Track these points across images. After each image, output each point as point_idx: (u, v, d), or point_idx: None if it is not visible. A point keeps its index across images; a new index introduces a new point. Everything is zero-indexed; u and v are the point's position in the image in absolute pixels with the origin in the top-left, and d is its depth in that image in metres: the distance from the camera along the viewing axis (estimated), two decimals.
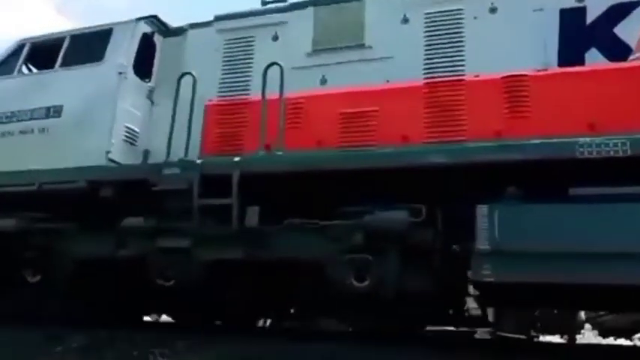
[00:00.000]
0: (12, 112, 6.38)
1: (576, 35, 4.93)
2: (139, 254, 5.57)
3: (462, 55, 5.21)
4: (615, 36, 4.81)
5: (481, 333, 7.97)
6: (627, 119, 4.42)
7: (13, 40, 7.23)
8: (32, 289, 6.02)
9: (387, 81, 5.37)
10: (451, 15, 5.35)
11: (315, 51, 5.72)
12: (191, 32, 6.44)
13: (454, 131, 5.00)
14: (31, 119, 6.25)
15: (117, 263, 5.76)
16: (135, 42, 6.24)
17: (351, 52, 5.58)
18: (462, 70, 5.17)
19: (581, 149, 4.22)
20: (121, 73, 6.06)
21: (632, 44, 4.76)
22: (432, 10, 5.42)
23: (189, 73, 5.73)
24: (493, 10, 5.26)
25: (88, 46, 6.40)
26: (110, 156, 5.82)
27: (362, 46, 5.56)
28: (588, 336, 8.96)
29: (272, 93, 5.45)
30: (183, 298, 5.78)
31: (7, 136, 6.31)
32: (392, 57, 5.43)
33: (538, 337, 9.25)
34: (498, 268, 4.32)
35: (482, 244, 4.37)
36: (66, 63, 6.41)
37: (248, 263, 5.31)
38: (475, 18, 5.28)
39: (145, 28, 6.39)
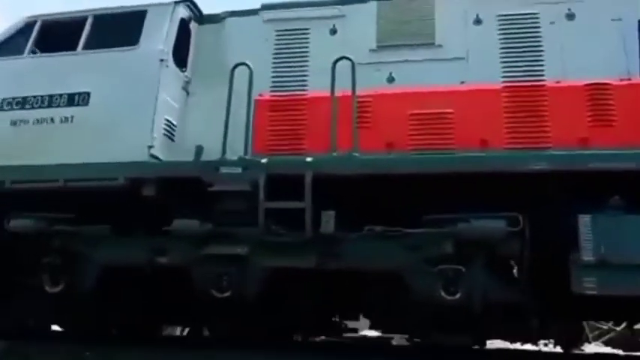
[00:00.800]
0: (24, 98, 5.59)
1: None
2: (184, 262, 5.02)
3: (540, 60, 5.07)
4: None
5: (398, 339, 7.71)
6: None
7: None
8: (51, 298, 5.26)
9: (462, 82, 5.15)
10: (526, 18, 5.22)
11: (380, 47, 5.40)
12: (231, 20, 5.95)
13: (538, 137, 4.84)
14: (49, 106, 5.50)
15: (147, 272, 5.16)
16: (174, 27, 5.66)
17: (420, 51, 5.32)
18: (542, 76, 5.03)
19: None
20: (162, 60, 5.45)
21: None
22: (506, 13, 5.27)
23: (244, 64, 5.23)
24: (570, 16, 5.17)
25: (117, 28, 5.73)
26: (152, 151, 5.21)
27: (432, 44, 5.32)
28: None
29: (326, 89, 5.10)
30: (237, 310, 5.22)
31: (21, 125, 5.52)
32: (465, 58, 5.23)
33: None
34: (603, 280, 4.19)
35: (586, 255, 4.23)
36: (90, 45, 5.70)
37: (312, 272, 4.90)
38: (552, 23, 5.16)
39: (183, 12, 5.81)
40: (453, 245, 4.52)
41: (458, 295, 4.45)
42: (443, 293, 4.48)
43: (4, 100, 5.64)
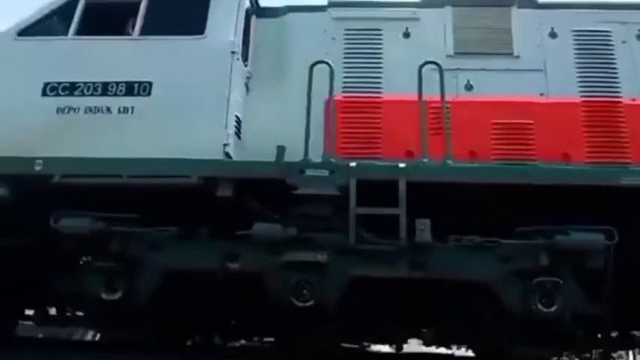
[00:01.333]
0: (72, 84, 5.06)
1: None
2: (258, 269, 4.71)
3: (616, 77, 5.19)
4: None
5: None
6: None
7: None
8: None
9: (542, 94, 5.17)
10: (600, 35, 5.33)
11: (458, 54, 5.33)
12: (293, 15, 5.67)
13: (617, 153, 4.95)
14: (104, 95, 5.01)
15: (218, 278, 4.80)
16: (242, 18, 5.32)
17: (498, 60, 5.30)
18: (618, 92, 5.15)
19: None
20: (233, 52, 5.10)
21: None
22: (580, 28, 5.35)
23: (324, 62, 4.98)
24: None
25: (175, 12, 5.32)
26: (227, 149, 4.86)
27: (510, 54, 5.31)
28: None
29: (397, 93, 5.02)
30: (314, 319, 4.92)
31: (70, 113, 4.99)
32: (542, 70, 5.26)
33: None
34: None
35: None
36: (147, 30, 5.24)
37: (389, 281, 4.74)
38: (624, 42, 5.30)
39: (247, 3, 5.48)
40: (548, 257, 4.50)
41: (554, 308, 4.44)
42: (540, 306, 4.45)
43: (47, 84, 5.08)
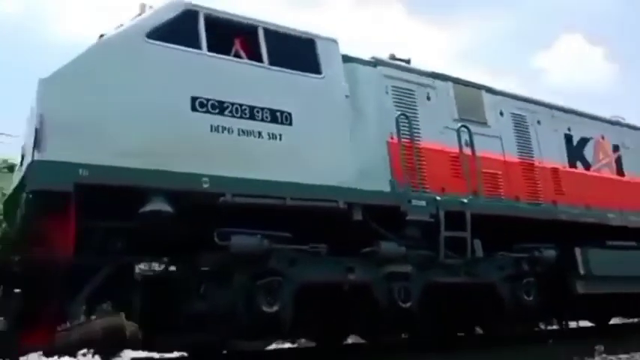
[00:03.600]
0: (220, 102, 5.17)
1: None
2: (369, 279, 5.85)
3: (530, 146, 8.01)
4: None
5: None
6: None
7: None
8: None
9: (501, 154, 7.65)
10: (523, 118, 8.12)
11: (460, 119, 7.32)
12: (355, 66, 6.52)
13: (535, 197, 7.81)
14: (252, 119, 5.29)
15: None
16: (341, 65, 6.19)
17: (480, 126, 7.52)
18: (533, 156, 8.00)
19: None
20: (347, 97, 5.99)
21: None
22: (514, 112, 8.05)
23: (404, 115, 6.41)
24: (539, 122, 8.34)
25: (289, 49, 5.88)
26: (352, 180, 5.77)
27: (485, 124, 7.61)
28: None
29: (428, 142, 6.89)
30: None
31: (224, 133, 5.09)
32: (499, 137, 7.72)
33: None
34: (588, 286, 7.48)
35: (581, 270, 7.44)
36: (273, 61, 5.64)
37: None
38: (531, 124, 8.22)
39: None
40: (528, 265, 7.00)
41: (532, 297, 6.94)
42: (525, 296, 6.88)
43: (195, 99, 5.03)
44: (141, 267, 5.51)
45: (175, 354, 6.96)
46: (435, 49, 64.69)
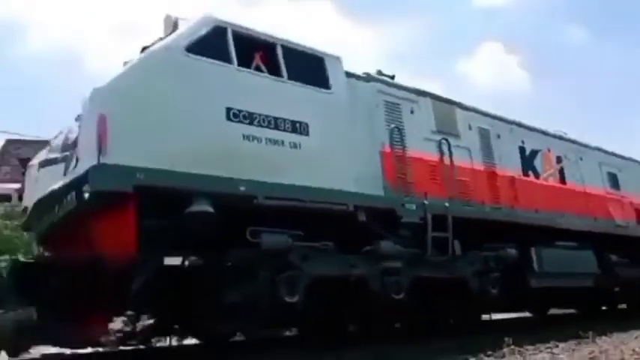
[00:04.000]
0: (250, 113, 5.72)
1: None
2: (367, 274, 6.59)
3: (493, 156, 9.05)
4: None
5: None
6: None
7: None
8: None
9: (470, 163, 8.61)
10: (487, 130, 9.13)
11: (437, 132, 8.20)
12: (353, 82, 7.21)
13: (497, 201, 8.85)
14: (276, 129, 5.87)
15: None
16: (345, 80, 6.86)
17: (452, 138, 8.43)
18: (494, 164, 9.02)
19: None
20: (349, 110, 6.67)
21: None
22: (480, 126, 9.03)
23: (397, 128, 7.19)
24: (499, 135, 9.39)
25: (304, 65, 6.48)
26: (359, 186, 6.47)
27: (458, 136, 8.53)
28: None
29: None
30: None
31: (254, 141, 5.65)
32: (468, 148, 8.69)
33: None
34: (539, 280, 8.61)
35: (535, 267, 8.55)
36: (291, 76, 6.23)
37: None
38: (498, 137, 9.25)
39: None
40: (494, 262, 7.99)
41: (497, 290, 7.93)
42: (492, 290, 7.87)
43: (229, 109, 5.55)
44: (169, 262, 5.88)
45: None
46: (363, 48, 66.52)
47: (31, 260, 5.71)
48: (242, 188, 5.39)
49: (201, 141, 5.31)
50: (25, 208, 6.22)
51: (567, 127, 11.54)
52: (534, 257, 8.65)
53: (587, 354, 6.34)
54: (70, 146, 5.62)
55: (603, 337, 7.50)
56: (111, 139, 4.71)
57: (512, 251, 8.27)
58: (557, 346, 6.89)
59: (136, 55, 5.98)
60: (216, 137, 5.42)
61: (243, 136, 5.60)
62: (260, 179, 5.58)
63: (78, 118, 5.36)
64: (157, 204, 4.97)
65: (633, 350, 6.31)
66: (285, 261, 5.72)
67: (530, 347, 6.68)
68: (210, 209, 5.13)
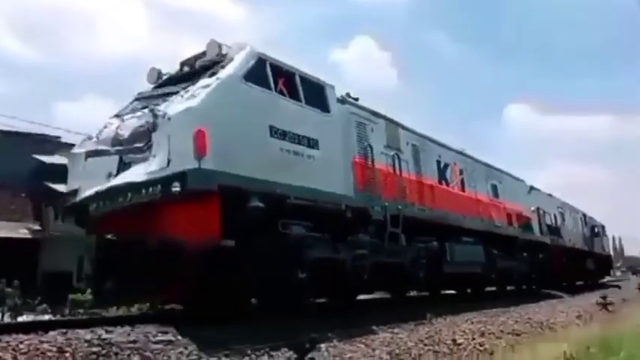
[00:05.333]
0: (284, 132, 7.30)
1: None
2: (346, 258, 8.54)
3: (421, 166, 11.44)
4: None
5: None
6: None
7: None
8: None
9: (408, 173, 10.87)
10: (417, 147, 11.47)
11: (388, 146, 10.31)
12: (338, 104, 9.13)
13: (423, 202, 11.25)
14: (299, 144, 7.53)
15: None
16: (336, 104, 8.67)
17: (396, 152, 10.60)
18: (422, 174, 11.42)
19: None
20: (344, 128, 8.50)
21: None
22: (413, 143, 11.33)
23: (369, 145, 9.19)
24: (423, 150, 11.80)
25: (312, 92, 8.17)
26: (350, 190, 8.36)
27: (399, 149, 10.72)
28: None
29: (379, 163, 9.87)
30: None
31: (285, 153, 7.25)
32: (408, 160, 10.93)
33: None
34: (450, 268, 11.20)
35: (448, 257, 11.11)
36: (307, 101, 7.90)
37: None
38: (424, 151, 11.64)
39: None
40: (425, 252, 10.36)
41: (422, 274, 10.31)
42: (421, 273, 10.22)
43: (271, 127, 7.10)
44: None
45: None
46: (237, 27, 67.58)
47: (114, 238, 6.74)
48: (278, 190, 7.01)
49: (255, 152, 6.83)
50: (75, 190, 7.20)
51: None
52: (448, 250, 11.19)
53: (424, 334, 7.44)
54: (132, 142, 6.82)
55: (439, 319, 8.59)
56: (208, 149, 6.10)
57: (435, 244, 10.73)
58: (399, 326, 7.84)
59: (174, 68, 7.32)
60: (263, 149, 6.97)
61: (280, 149, 7.21)
62: (290, 183, 7.23)
63: (134, 119, 6.72)
64: (228, 200, 6.41)
65: (463, 331, 7.73)
66: (301, 246, 7.43)
67: (375, 327, 7.57)
68: (262, 205, 6.69)
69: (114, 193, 6.68)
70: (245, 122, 6.81)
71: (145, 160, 6.64)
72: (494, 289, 15.31)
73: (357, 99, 10.09)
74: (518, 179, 17.90)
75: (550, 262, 18.22)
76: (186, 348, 5.40)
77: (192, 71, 7.82)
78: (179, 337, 5.55)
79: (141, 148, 6.79)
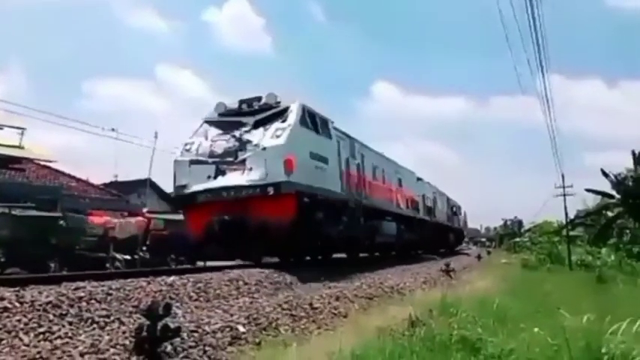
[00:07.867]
0: (314, 153, 11.92)
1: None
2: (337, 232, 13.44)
3: (370, 172, 16.52)
4: None
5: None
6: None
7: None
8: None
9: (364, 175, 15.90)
10: (363, 156, 16.54)
11: (351, 156, 15.19)
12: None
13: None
14: (320, 161, 12.19)
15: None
16: (333, 132, 13.40)
17: (357, 160, 15.53)
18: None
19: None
20: (339, 155, 13.29)
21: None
22: (362, 153, 16.38)
23: (344, 157, 14.09)
24: (363, 155, 16.91)
25: (322, 125, 12.81)
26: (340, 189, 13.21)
27: (356, 158, 15.67)
28: None
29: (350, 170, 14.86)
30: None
31: (316, 169, 11.91)
32: (361, 165, 15.94)
33: None
34: (380, 239, 16.60)
35: (380, 231, 16.48)
36: (322, 132, 12.54)
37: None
38: (364, 157, 16.74)
39: None
40: (370, 228, 15.57)
41: (367, 243, 15.50)
42: (366, 242, 15.42)
43: (310, 152, 11.67)
44: None
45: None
46: None
47: (227, 218, 10.84)
48: (314, 192, 11.63)
49: (306, 169, 11.35)
50: (184, 185, 11.22)
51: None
52: (379, 226, 16.50)
53: (282, 298, 7.68)
54: (224, 157, 11.05)
55: (299, 284, 9.49)
56: (293, 169, 10.53)
57: (375, 222, 15.98)
58: (258, 292, 8.29)
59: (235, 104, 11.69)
60: (308, 167, 11.51)
61: (315, 167, 11.81)
62: (318, 186, 11.86)
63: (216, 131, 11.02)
64: (297, 198, 10.92)
65: (320, 296, 8.22)
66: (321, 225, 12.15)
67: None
68: (308, 200, 11.30)
69: (219, 190, 10.88)
70: (302, 151, 11.32)
71: (237, 170, 10.91)
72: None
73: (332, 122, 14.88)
74: (411, 172, 23.84)
75: (429, 235, 24.65)
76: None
77: (251, 110, 12.06)
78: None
79: (232, 162, 11.04)
